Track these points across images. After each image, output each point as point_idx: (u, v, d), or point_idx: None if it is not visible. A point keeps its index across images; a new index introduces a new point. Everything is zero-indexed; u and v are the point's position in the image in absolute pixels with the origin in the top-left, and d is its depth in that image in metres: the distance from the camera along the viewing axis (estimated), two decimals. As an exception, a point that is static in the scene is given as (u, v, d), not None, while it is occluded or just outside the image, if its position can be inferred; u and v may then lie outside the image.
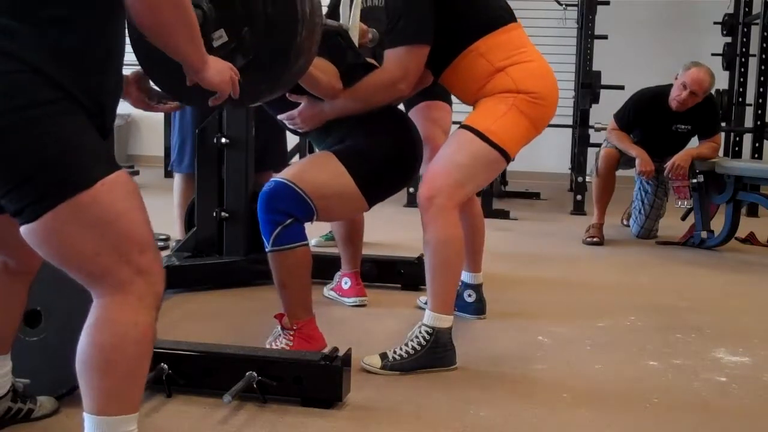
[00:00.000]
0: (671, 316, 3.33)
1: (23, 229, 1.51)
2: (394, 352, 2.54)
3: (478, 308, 3.15)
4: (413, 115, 3.22)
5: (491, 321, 3.14)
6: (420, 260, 3.62)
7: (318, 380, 2.21)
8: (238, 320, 3.11)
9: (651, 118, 4.98)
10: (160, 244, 4.31)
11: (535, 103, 2.55)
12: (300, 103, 2.68)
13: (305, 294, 2.62)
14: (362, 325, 3.08)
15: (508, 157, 2.58)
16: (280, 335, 2.62)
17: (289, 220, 2.54)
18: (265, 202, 2.56)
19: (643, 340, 2.96)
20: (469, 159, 2.54)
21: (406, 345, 2.55)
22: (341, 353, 2.25)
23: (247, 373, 2.18)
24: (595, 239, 4.93)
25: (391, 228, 5.04)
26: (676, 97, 4.82)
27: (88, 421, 1.55)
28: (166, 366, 2.21)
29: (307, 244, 2.61)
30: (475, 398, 2.35)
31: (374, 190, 2.66)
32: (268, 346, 2.61)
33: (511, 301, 3.47)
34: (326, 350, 2.32)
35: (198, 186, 3.65)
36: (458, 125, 2.65)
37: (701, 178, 4.77)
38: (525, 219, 5.86)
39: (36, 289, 2.00)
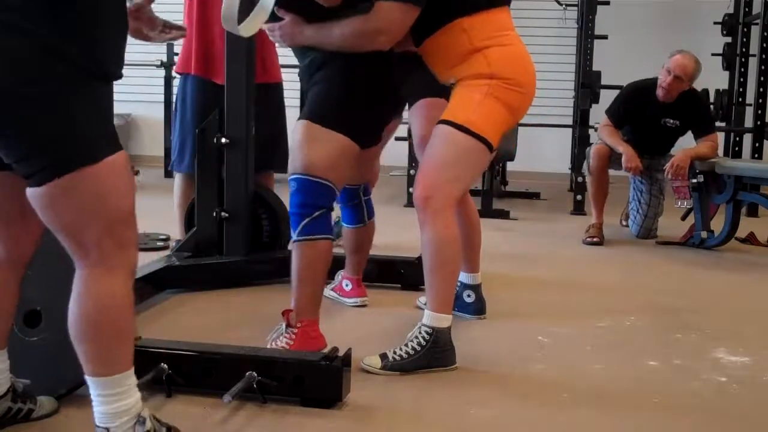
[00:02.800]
0: (671, 316, 3.33)
1: (29, 191, 1.64)
2: (394, 353, 2.54)
3: (478, 308, 3.15)
4: (414, 111, 3.21)
5: (491, 321, 3.14)
6: (420, 260, 3.61)
7: (318, 380, 2.21)
8: (238, 320, 3.11)
9: (640, 112, 5.03)
10: (160, 244, 4.31)
11: (510, 89, 2.55)
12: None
13: (318, 291, 2.64)
14: (362, 325, 3.08)
15: (491, 147, 2.58)
16: (282, 333, 2.62)
17: (317, 212, 2.59)
18: (296, 199, 2.62)
19: (643, 340, 2.96)
20: (455, 154, 2.54)
21: (406, 345, 2.55)
22: (341, 353, 2.25)
23: (247, 373, 2.18)
24: (595, 239, 4.93)
25: (391, 228, 5.04)
26: (661, 83, 4.90)
27: (89, 382, 1.72)
28: (166, 366, 2.21)
29: (331, 239, 2.64)
30: (475, 398, 2.35)
31: (363, 132, 2.69)
32: (269, 343, 2.61)
33: (511, 301, 3.47)
34: (326, 350, 2.32)
35: (198, 186, 3.64)
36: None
37: (701, 178, 4.77)
38: (525, 219, 5.86)
39: (36, 289, 2.00)
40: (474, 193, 4.88)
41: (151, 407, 2.16)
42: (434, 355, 2.53)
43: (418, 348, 2.53)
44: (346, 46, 2.58)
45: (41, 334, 2.13)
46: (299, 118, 2.69)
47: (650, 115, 5.00)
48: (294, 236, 2.63)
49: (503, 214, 5.81)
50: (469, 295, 3.14)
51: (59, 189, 1.61)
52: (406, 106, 3.20)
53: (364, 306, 3.29)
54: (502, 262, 4.25)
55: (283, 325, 2.64)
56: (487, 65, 2.54)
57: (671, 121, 5.00)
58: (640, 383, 2.52)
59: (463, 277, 3.10)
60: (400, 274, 3.61)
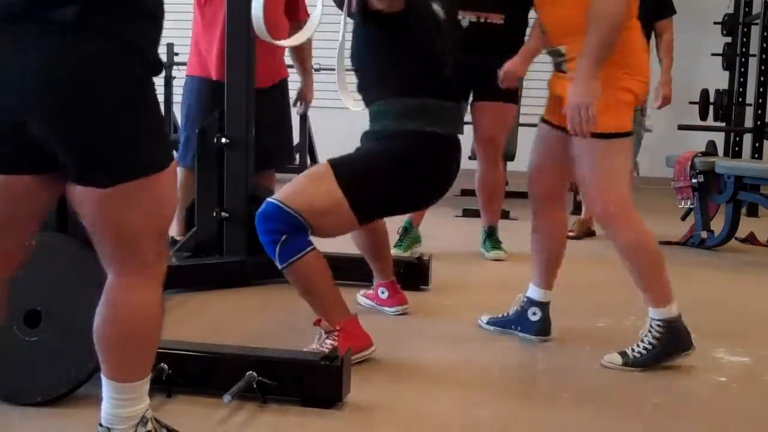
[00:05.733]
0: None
1: (83, 191, 1.57)
2: (633, 350, 2.63)
3: (543, 329, 2.92)
4: (481, 111, 3.20)
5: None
6: (420, 260, 3.62)
7: (318, 380, 2.21)
8: (238, 320, 3.11)
9: None
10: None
11: (630, 77, 2.54)
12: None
13: (333, 296, 2.61)
14: (362, 325, 3.07)
15: (630, 132, 2.60)
16: (324, 339, 2.58)
17: (284, 237, 2.53)
18: (258, 224, 2.58)
19: (633, 344, 2.95)
20: (610, 162, 2.57)
21: (642, 342, 2.62)
22: (341, 353, 2.25)
23: (247, 373, 2.17)
24: (571, 233, 4.96)
25: (391, 228, 5.04)
26: None
27: (106, 384, 1.70)
28: (166, 366, 2.21)
29: (313, 249, 2.57)
30: (475, 398, 2.35)
31: (367, 211, 2.65)
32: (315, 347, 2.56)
33: (512, 301, 3.46)
34: (326, 350, 2.32)
35: (198, 186, 3.65)
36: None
37: (701, 178, 4.77)
38: (525, 219, 5.81)
39: (36, 289, 2.00)
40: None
41: (151, 407, 2.16)
42: (672, 343, 2.60)
43: (654, 342, 2.60)
44: (612, 39, 2.45)
45: (41, 334, 2.13)
46: (329, 159, 2.66)
47: None
48: (278, 265, 2.57)
49: (503, 214, 5.79)
50: (534, 313, 2.92)
51: (117, 194, 1.56)
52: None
53: (405, 314, 3.16)
54: (501, 262, 4.25)
55: (322, 332, 2.60)
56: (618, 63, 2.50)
57: None
58: (640, 383, 2.52)
59: (534, 292, 2.93)
60: (400, 274, 3.60)
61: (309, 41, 4.13)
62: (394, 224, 4.32)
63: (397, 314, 3.17)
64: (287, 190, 2.60)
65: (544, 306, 2.93)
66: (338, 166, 2.61)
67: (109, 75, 1.52)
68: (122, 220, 1.59)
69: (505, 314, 2.98)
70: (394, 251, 4.10)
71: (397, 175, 2.63)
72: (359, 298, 3.29)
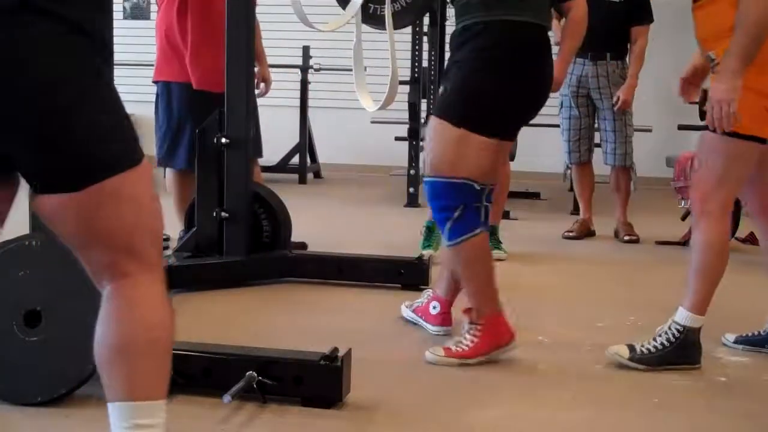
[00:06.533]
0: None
1: (54, 199, 1.39)
2: (642, 346, 2.62)
3: None
4: None
5: (491, 321, 3.14)
6: (419, 260, 3.62)
7: (318, 380, 2.21)
8: (238, 320, 3.11)
9: None
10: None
11: (760, 75, 2.44)
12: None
13: (487, 285, 2.63)
14: (363, 325, 3.07)
15: (761, 139, 2.51)
16: (467, 330, 2.61)
17: (457, 213, 2.55)
18: (431, 203, 2.61)
19: (643, 340, 2.95)
20: (724, 161, 2.52)
21: (655, 340, 2.62)
22: (341, 353, 2.25)
23: (247, 373, 2.18)
24: (571, 233, 5.00)
25: (391, 228, 5.05)
26: None
27: (126, 410, 1.49)
28: (166, 366, 2.21)
29: (482, 232, 2.58)
30: (475, 398, 2.35)
31: (502, 129, 2.61)
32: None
33: (511, 301, 3.45)
34: (326, 350, 2.32)
35: (198, 186, 3.65)
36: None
37: (701, 178, 4.77)
38: (525, 219, 5.85)
39: (36, 289, 2.00)
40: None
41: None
42: (681, 352, 2.60)
43: (666, 344, 2.60)
44: (759, 35, 2.39)
45: (41, 334, 2.13)
46: (433, 113, 2.63)
47: None
48: (446, 242, 2.60)
49: (503, 215, 5.79)
50: None
51: (101, 194, 1.39)
52: None
53: (447, 336, 2.92)
54: (502, 262, 4.25)
55: (466, 323, 2.62)
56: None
57: None
58: (640, 383, 2.53)
59: None
60: (400, 274, 3.61)
61: (258, 28, 4.15)
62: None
63: (437, 334, 2.94)
64: (426, 164, 2.61)
65: None
66: (445, 113, 2.58)
67: (63, 59, 1.36)
68: (108, 222, 1.41)
69: (755, 333, 2.91)
70: (425, 252, 4.03)
71: (499, 76, 2.57)
72: (404, 310, 3.10)
